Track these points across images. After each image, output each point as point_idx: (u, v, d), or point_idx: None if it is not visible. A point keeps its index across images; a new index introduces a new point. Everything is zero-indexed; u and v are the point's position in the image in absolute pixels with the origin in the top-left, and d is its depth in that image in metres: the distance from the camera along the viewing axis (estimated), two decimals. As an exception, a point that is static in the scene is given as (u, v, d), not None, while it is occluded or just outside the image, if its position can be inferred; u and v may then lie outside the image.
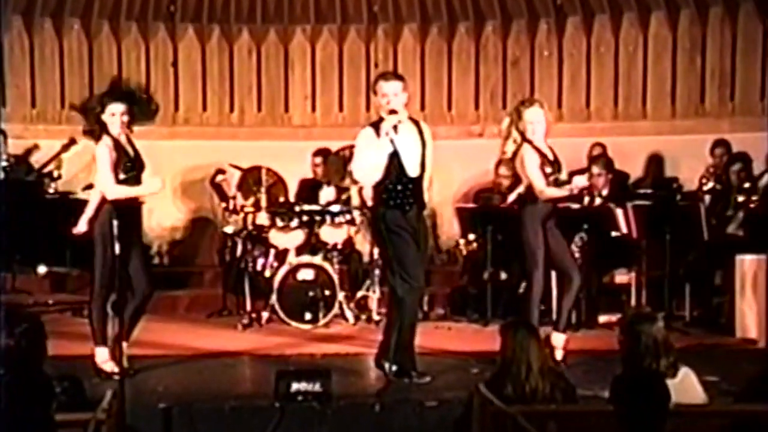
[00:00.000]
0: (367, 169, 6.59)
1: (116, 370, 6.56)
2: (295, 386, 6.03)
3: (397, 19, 11.57)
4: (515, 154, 7.05)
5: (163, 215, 11.17)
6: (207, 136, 11.28)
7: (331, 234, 9.17)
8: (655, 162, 10.83)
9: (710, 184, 9.24)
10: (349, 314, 8.95)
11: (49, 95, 11.26)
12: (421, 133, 6.69)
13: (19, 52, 11.17)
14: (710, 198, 9.11)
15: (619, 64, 11.32)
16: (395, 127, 6.50)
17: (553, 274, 7.58)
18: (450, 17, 11.55)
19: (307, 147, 10.39)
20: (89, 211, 6.80)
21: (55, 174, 9.62)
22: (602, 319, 8.67)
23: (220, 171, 9.77)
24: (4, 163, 9.77)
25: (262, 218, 9.21)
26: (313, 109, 11.64)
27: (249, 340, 8.32)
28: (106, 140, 6.72)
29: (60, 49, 11.30)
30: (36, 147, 10.21)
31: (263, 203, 9.26)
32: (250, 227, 9.24)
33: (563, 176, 7.19)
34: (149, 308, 9.61)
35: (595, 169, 9.34)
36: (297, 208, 9.23)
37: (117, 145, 6.74)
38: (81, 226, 6.83)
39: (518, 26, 11.50)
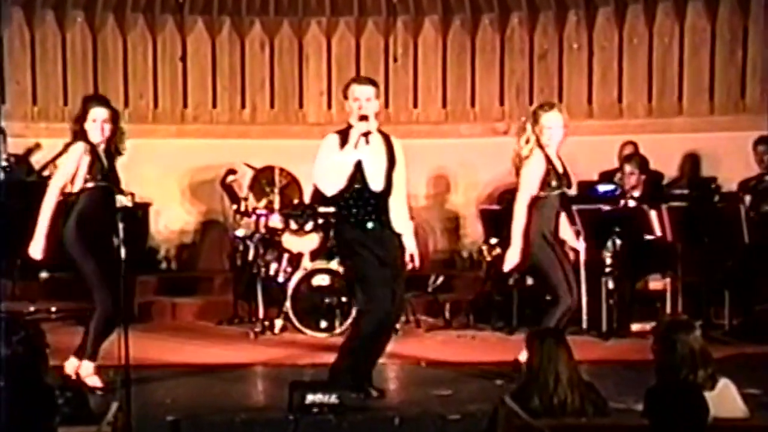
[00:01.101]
0: (330, 178, 6.41)
1: (99, 384, 6.55)
2: (310, 398, 6.03)
3: (418, 11, 11.57)
4: (524, 157, 6.98)
5: (171, 218, 11.21)
6: (217, 134, 11.31)
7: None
8: (692, 161, 10.79)
9: (752, 183, 9.20)
10: (367, 322, 8.93)
11: (51, 92, 11.31)
12: (390, 147, 6.57)
13: (20, 46, 11.23)
14: (751, 199, 9.05)
15: (654, 57, 11.28)
16: (366, 135, 6.39)
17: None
18: (473, 9, 11.54)
19: (323, 145, 10.39)
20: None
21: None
22: (635, 327, 8.63)
23: (231, 171, 9.80)
24: (4, 164, 9.83)
25: (275, 221, 9.22)
26: (329, 105, 11.65)
27: (261, 349, 8.33)
28: (79, 145, 6.70)
29: (62, 43, 11.35)
30: (38, 146, 10.25)
31: (276, 205, 9.27)
32: (262, 230, 9.26)
33: (572, 191, 7.16)
34: (156, 315, 9.78)
35: (627, 169, 9.32)
36: (312, 210, 9.22)
37: (94, 152, 6.71)
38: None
39: (546, 18, 11.48)
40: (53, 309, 9.47)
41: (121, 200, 7.11)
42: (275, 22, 11.60)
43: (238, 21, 11.58)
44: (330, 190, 6.45)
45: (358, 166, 6.40)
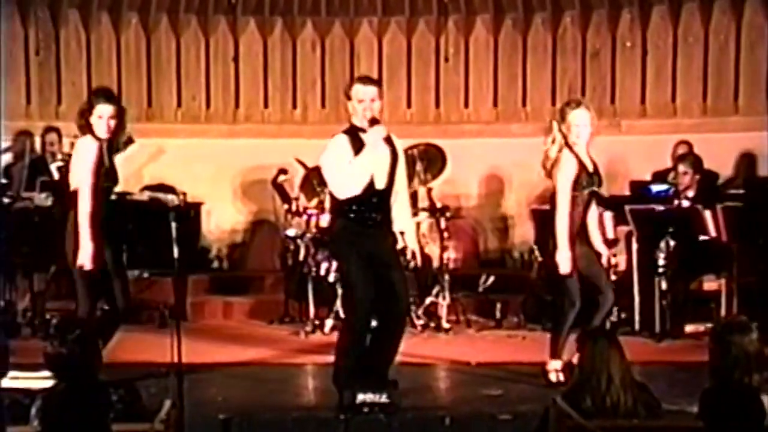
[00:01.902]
0: (349, 184, 6.34)
1: None
2: (360, 397, 6.04)
3: (469, 10, 11.54)
4: (554, 159, 6.93)
5: (223, 217, 11.27)
6: (268, 134, 11.35)
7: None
8: (747, 160, 10.68)
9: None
10: (417, 322, 8.94)
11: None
12: (392, 146, 6.53)
13: (76, 47, 11.35)
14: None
15: (709, 56, 11.17)
16: (387, 140, 6.37)
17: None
18: (525, 8, 11.49)
19: (374, 145, 10.38)
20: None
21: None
22: (689, 328, 8.57)
23: (283, 171, 9.84)
24: (60, 163, 9.92)
25: (326, 220, 9.22)
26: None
27: (312, 348, 8.35)
28: (90, 138, 6.70)
29: (117, 44, 11.45)
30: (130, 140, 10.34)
31: (327, 204, 9.27)
32: (313, 230, 9.27)
33: (602, 191, 7.10)
34: (207, 315, 9.84)
35: (681, 168, 9.24)
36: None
37: (100, 149, 6.72)
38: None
39: (599, 16, 11.42)
40: (106, 307, 9.53)
41: (172, 200, 7.16)
42: (327, 22, 11.62)
43: (290, 21, 11.61)
44: (346, 194, 6.39)
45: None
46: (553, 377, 6.92)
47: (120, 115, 6.80)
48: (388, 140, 6.53)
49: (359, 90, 6.46)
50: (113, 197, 9.17)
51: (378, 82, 6.69)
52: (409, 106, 11.64)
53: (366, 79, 6.72)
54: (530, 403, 6.17)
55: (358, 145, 6.34)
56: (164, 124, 11.36)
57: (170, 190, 10.12)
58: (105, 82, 11.32)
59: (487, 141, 11.17)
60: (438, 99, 11.60)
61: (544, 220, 9.39)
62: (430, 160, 9.40)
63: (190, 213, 10.14)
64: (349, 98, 6.48)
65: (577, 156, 6.87)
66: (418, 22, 11.62)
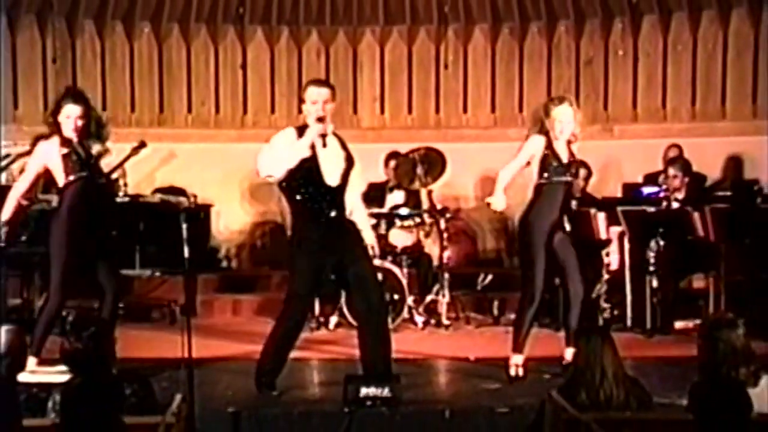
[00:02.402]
0: (272, 163, 6.38)
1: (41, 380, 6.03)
2: (364, 391, 6.04)
3: (468, 19, 11.55)
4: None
5: (232, 218, 11.27)
6: (275, 138, 11.33)
7: (399, 237, 9.17)
8: (734, 164, 10.67)
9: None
10: (418, 319, 8.94)
11: (119, 99, 11.43)
12: (346, 148, 6.54)
13: (91, 55, 11.38)
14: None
15: (698, 63, 11.20)
16: (323, 137, 6.37)
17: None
18: (522, 17, 11.50)
19: (376, 149, 10.39)
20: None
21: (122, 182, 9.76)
22: (678, 325, 8.56)
23: (289, 174, 9.81)
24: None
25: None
26: (382, 110, 11.67)
27: (317, 344, 8.34)
28: (53, 139, 6.64)
29: (130, 52, 11.47)
30: (106, 151, 10.32)
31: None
32: (318, 230, 9.25)
33: (578, 181, 7.08)
34: (217, 312, 9.84)
35: (672, 171, 9.23)
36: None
37: (69, 145, 6.64)
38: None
39: (592, 25, 11.42)
40: (120, 304, 9.54)
41: (183, 202, 7.15)
42: (331, 31, 11.63)
43: (295, 30, 11.62)
44: (271, 172, 6.42)
45: (315, 163, 6.35)
46: (512, 371, 6.84)
47: (87, 115, 6.72)
48: (343, 144, 6.54)
49: (313, 92, 6.46)
50: (126, 199, 9.28)
51: (330, 85, 6.66)
52: (410, 111, 11.65)
53: (319, 82, 6.73)
54: (527, 397, 6.16)
55: (300, 135, 6.36)
56: (175, 129, 11.37)
57: (181, 192, 10.13)
58: (119, 89, 11.40)
59: (485, 145, 11.16)
60: (438, 104, 11.61)
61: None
62: (431, 163, 9.39)
63: (200, 214, 10.14)
64: (302, 101, 6.49)
65: (548, 141, 6.82)
66: (418, 30, 11.63)
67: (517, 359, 6.89)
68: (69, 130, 6.68)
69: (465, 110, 11.62)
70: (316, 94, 6.44)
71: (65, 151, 6.63)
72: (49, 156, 6.65)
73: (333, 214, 6.41)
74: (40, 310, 6.83)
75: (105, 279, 6.76)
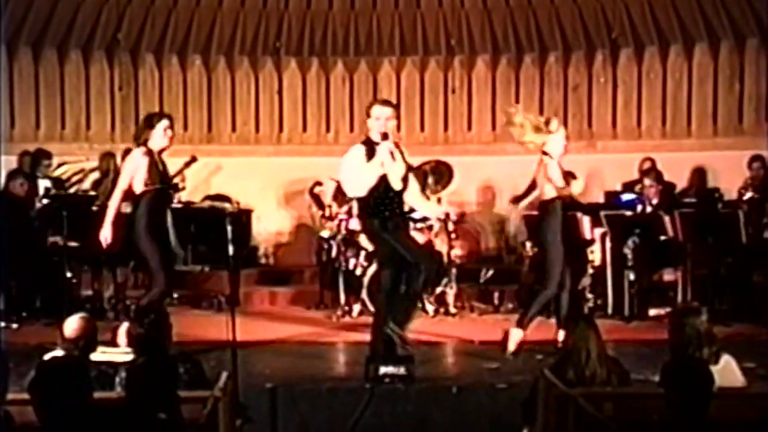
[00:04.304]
0: (355, 186, 6.36)
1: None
2: (382, 370, 6.05)
3: (472, 51, 11.54)
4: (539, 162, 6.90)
5: (269, 222, 11.28)
6: (307, 153, 11.36)
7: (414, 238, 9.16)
8: (699, 174, 10.63)
9: (749, 194, 9.07)
10: (429, 307, 8.93)
11: (174, 120, 11.42)
12: (402, 153, 6.50)
13: (151, 84, 11.41)
14: (748, 206, 8.92)
15: (667, 89, 11.18)
16: (392, 154, 6.30)
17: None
18: (518, 49, 11.49)
19: (393, 162, 10.37)
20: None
21: (180, 186, 9.79)
22: (652, 312, 8.53)
23: (318, 183, 9.84)
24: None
25: (354, 224, 9.21)
26: (399, 129, 11.58)
27: (343, 329, 8.36)
28: (141, 149, 6.67)
29: (184, 80, 11.50)
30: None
31: (355, 211, 9.27)
32: (343, 232, 9.26)
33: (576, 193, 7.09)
34: (257, 302, 9.85)
35: (647, 181, 9.22)
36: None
37: (151, 156, 6.67)
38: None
39: (578, 56, 11.40)
40: (175, 295, 9.59)
41: (228, 208, 7.16)
42: (354, 61, 11.63)
43: (324, 61, 11.63)
44: (352, 193, 6.51)
45: (383, 177, 6.32)
46: (511, 346, 6.84)
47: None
48: (400, 151, 6.50)
49: (377, 109, 6.42)
50: (179, 205, 9.32)
51: (393, 105, 6.63)
52: (422, 130, 11.64)
53: (383, 101, 6.69)
54: (523, 375, 6.15)
55: (370, 154, 6.27)
56: (221, 146, 11.39)
57: (226, 199, 10.13)
58: (173, 112, 11.40)
59: (486, 158, 11.15)
60: (446, 124, 11.60)
61: (534, 223, 9.43)
62: (440, 174, 9.38)
63: (242, 218, 10.15)
64: (368, 116, 6.44)
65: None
66: (429, 60, 11.62)
67: (517, 335, 6.85)
68: (158, 142, 6.69)
69: (469, 128, 11.60)
70: (379, 112, 6.39)
71: (147, 161, 6.64)
72: (138, 165, 6.64)
73: (398, 211, 6.41)
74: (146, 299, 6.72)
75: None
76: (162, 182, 6.71)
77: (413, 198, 6.59)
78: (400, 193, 6.42)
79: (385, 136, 6.29)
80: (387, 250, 6.40)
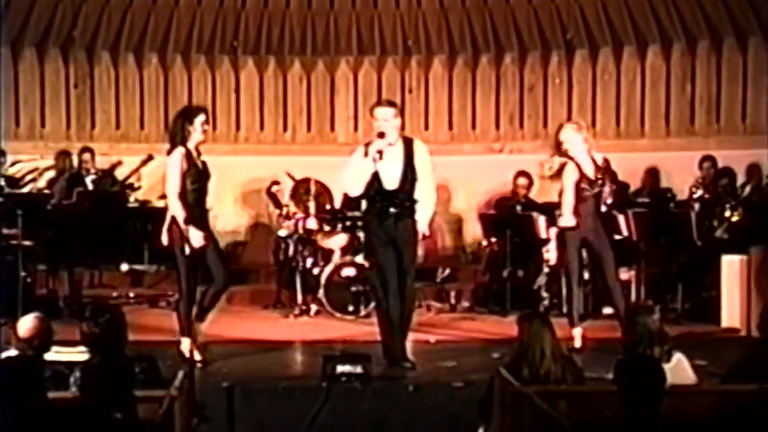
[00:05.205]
0: (351, 183, 6.56)
1: (199, 358, 6.40)
2: (339, 369, 6.04)
3: (428, 51, 11.56)
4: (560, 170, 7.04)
5: (227, 220, 11.20)
6: (264, 152, 11.31)
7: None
8: (652, 175, 10.71)
9: (699, 193, 9.17)
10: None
11: (130, 118, 11.36)
12: (410, 150, 6.59)
13: (107, 82, 11.31)
14: (699, 206, 9.02)
15: (621, 90, 11.27)
16: (380, 152, 6.40)
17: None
18: (474, 49, 11.53)
19: (350, 162, 10.37)
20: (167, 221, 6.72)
21: (136, 185, 9.72)
22: (606, 311, 8.56)
23: (275, 182, 9.80)
24: (93, 176, 9.88)
25: (311, 223, 9.21)
26: (356, 128, 11.64)
27: (300, 328, 8.34)
28: (180, 149, 6.58)
29: (140, 79, 11.40)
30: (120, 163, 10.28)
31: (312, 210, 9.27)
32: (300, 231, 9.24)
33: (605, 190, 7.14)
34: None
35: (601, 180, 9.26)
36: (341, 214, 9.23)
37: (189, 156, 6.62)
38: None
39: (533, 57, 11.47)
40: (131, 295, 9.51)
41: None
42: (311, 60, 11.60)
43: (281, 60, 11.59)
44: (352, 192, 6.62)
45: (375, 173, 6.46)
46: (577, 344, 7.02)
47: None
48: (407, 148, 6.57)
49: (376, 110, 6.62)
50: (136, 204, 9.24)
51: (393, 105, 6.76)
52: (379, 129, 11.63)
53: (382, 102, 6.91)
54: (479, 373, 6.16)
55: (367, 154, 6.47)
56: (178, 145, 11.29)
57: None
58: (130, 111, 11.34)
59: (443, 158, 11.12)
60: (403, 123, 11.51)
61: (490, 222, 9.48)
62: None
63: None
64: (373, 118, 6.60)
65: (578, 165, 7.17)
66: (386, 60, 11.62)
67: (576, 332, 7.08)
68: (194, 139, 6.59)
69: (426, 128, 11.61)
70: (378, 113, 6.57)
71: (186, 164, 6.58)
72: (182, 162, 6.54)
73: (392, 211, 6.46)
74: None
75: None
76: (199, 180, 6.63)
77: (420, 196, 6.63)
78: (396, 191, 6.48)
79: (381, 136, 6.43)
80: (381, 247, 6.47)
